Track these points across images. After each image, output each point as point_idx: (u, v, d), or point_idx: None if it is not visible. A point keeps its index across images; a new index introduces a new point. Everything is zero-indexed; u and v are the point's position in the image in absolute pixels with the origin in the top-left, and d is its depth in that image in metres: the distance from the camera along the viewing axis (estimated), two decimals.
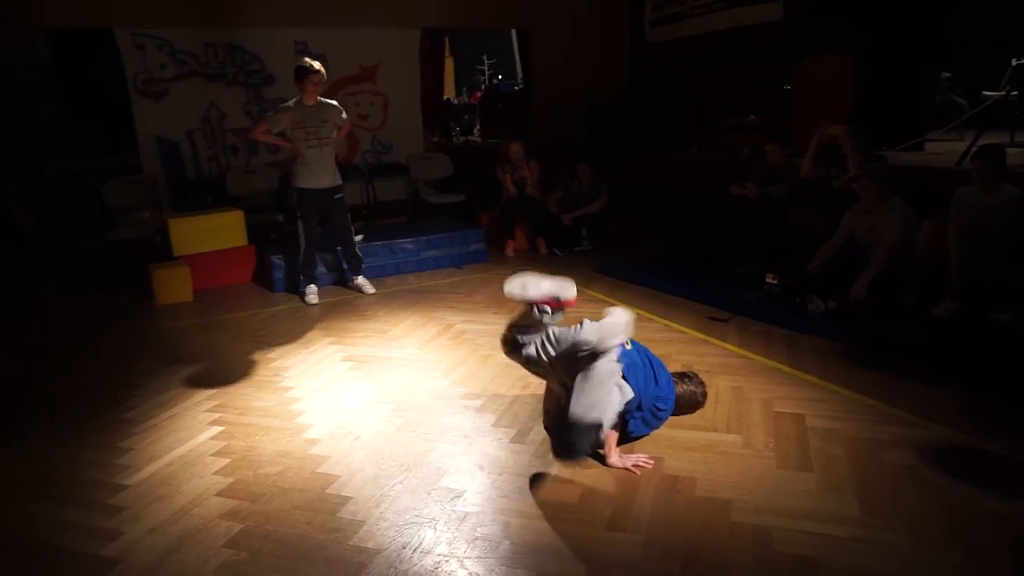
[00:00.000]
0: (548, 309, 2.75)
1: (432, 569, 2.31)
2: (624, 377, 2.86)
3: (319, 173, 5.42)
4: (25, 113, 9.44)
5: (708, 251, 5.96)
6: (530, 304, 2.77)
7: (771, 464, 2.84)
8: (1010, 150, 4.55)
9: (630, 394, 2.83)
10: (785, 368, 3.80)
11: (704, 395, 3.29)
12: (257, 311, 5.46)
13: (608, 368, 2.70)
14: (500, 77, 14.20)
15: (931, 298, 4.28)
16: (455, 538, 2.46)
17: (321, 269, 5.97)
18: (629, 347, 3.04)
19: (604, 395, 2.64)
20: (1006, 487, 2.59)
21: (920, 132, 5.89)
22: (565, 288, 2.80)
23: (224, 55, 6.97)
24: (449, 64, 14.86)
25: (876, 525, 2.40)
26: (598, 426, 2.59)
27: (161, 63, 6.70)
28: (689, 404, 3.24)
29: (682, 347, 4.19)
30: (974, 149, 4.61)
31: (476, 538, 2.46)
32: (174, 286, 5.79)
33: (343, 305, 5.53)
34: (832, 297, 4.45)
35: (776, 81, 6.60)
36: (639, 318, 4.79)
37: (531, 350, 2.83)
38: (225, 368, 4.23)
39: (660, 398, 3.00)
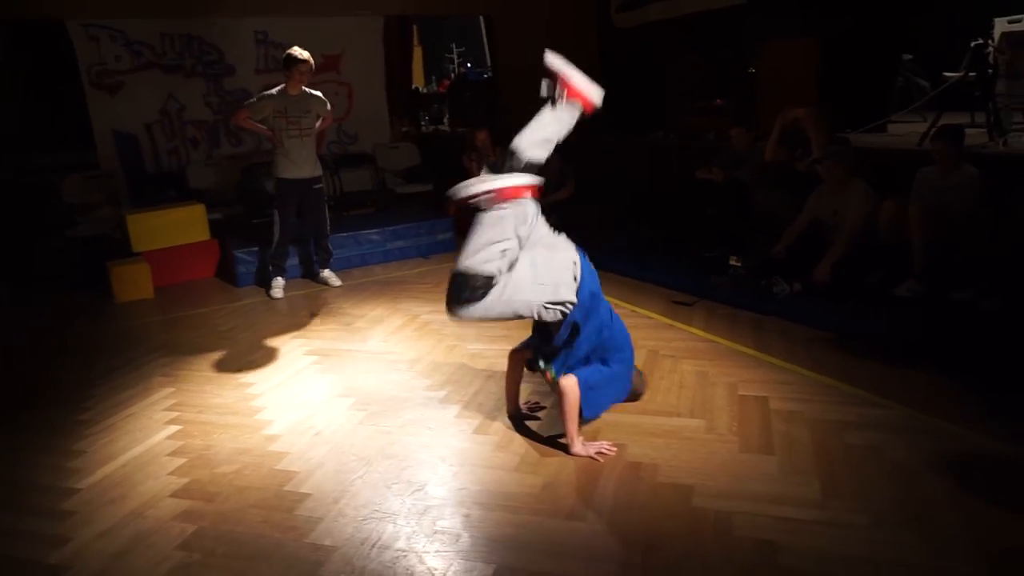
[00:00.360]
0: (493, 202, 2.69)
1: (390, 564, 2.26)
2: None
3: (299, 163, 5.34)
4: None
5: (677, 236, 5.95)
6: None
7: (734, 448, 2.83)
8: (970, 131, 4.59)
9: (570, 296, 2.74)
10: (750, 351, 3.80)
11: (644, 384, 3.22)
12: (220, 306, 5.35)
13: (502, 215, 2.65)
14: (469, 65, 14.07)
15: (894, 279, 4.30)
16: (414, 532, 2.42)
17: (293, 261, 5.88)
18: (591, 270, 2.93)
19: (486, 244, 2.61)
20: (963, 466, 2.61)
21: (883, 114, 5.93)
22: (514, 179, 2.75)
23: (181, 45, 6.81)
24: (418, 53, 14.69)
25: (837, 507, 2.40)
26: (473, 278, 2.60)
27: (116, 55, 6.52)
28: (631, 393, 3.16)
29: (648, 332, 4.17)
30: (934, 130, 4.64)
31: (436, 532, 2.42)
32: (134, 283, 5.65)
33: (308, 299, 5.44)
34: (797, 279, 4.45)
35: (742, 65, 6.59)
36: None
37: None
38: (185, 365, 4.14)
39: (615, 349, 2.89)
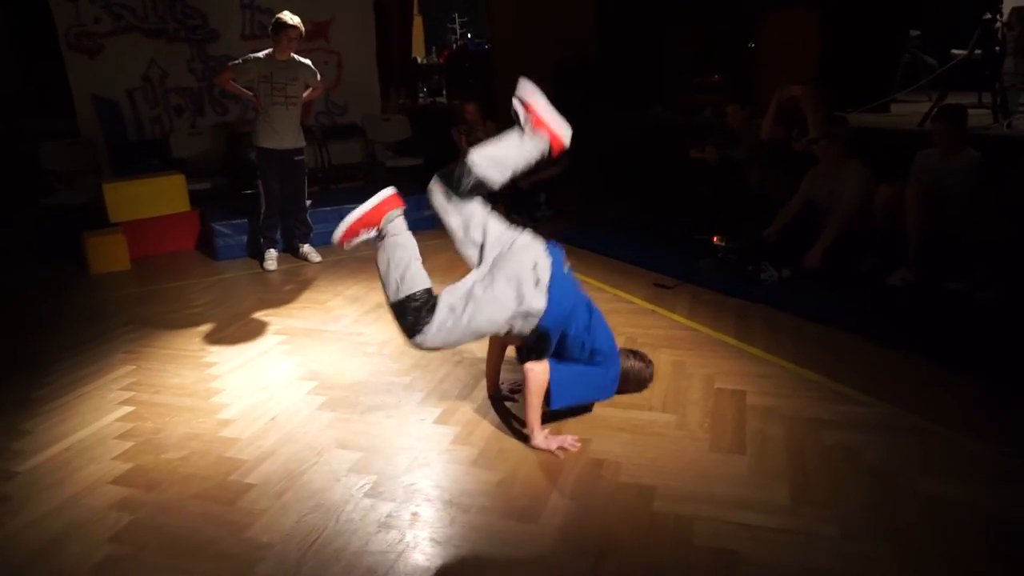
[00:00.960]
0: (371, 231, 2.66)
1: (326, 565, 2.13)
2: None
3: (281, 133, 5.18)
4: None
5: (669, 216, 5.75)
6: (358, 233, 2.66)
7: (703, 446, 2.68)
8: (975, 111, 4.36)
9: (538, 305, 2.56)
10: (732, 341, 3.64)
11: (652, 375, 3.08)
12: (196, 280, 5.22)
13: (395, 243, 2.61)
14: (469, 36, 13.74)
15: (887, 266, 4.12)
16: (356, 530, 2.29)
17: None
18: (567, 271, 2.78)
19: (398, 267, 2.56)
20: (945, 472, 2.44)
21: (886, 93, 5.68)
22: (371, 202, 2.65)
23: (164, 9, 6.57)
24: (418, 23, 14.37)
25: (805, 514, 2.25)
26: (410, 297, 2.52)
27: (95, 16, 6.29)
28: (637, 380, 3.02)
29: (628, 318, 4.00)
30: (936, 111, 4.41)
31: (379, 530, 2.29)
32: (109, 254, 5.51)
33: (286, 275, 5.30)
34: (787, 265, 4.27)
35: (741, 39, 6.33)
36: (588, 286, 4.61)
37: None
38: (150, 341, 4.01)
39: (598, 350, 2.74)
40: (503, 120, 7.31)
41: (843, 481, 2.42)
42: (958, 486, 2.36)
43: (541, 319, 2.59)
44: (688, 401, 3.03)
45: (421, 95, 12.44)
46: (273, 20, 5.00)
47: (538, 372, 2.65)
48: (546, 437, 2.69)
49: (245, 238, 5.76)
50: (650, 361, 3.09)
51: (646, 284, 4.59)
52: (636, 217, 6.20)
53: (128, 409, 3.22)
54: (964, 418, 2.78)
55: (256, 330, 4.13)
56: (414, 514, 2.36)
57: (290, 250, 5.76)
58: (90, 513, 2.46)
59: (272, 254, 5.46)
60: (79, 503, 2.52)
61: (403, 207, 2.70)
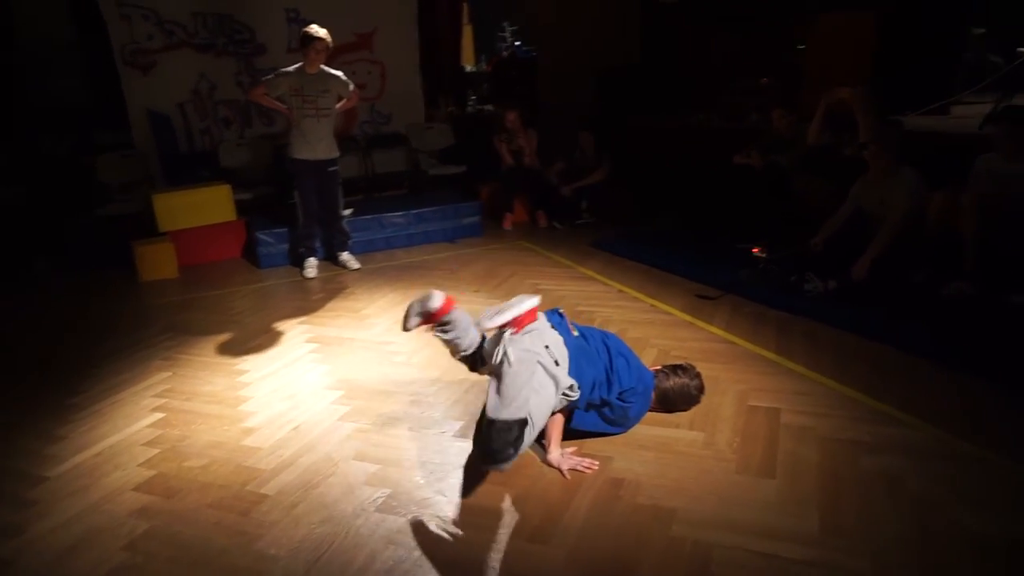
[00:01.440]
0: (440, 329, 2.64)
1: None
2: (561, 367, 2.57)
3: (313, 144, 5.24)
4: (49, 88, 9.48)
5: (712, 225, 5.57)
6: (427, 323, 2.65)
7: (730, 468, 2.54)
8: None
9: (567, 381, 2.52)
10: (770, 355, 3.47)
11: (700, 388, 2.94)
12: (238, 288, 5.31)
13: (520, 356, 2.43)
14: (518, 44, 13.73)
15: (941, 278, 3.87)
16: (363, 546, 2.25)
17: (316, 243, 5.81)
18: (575, 333, 2.75)
19: (521, 386, 2.36)
20: (993, 507, 2.25)
21: (946, 94, 5.38)
22: (431, 300, 2.60)
23: (213, 24, 6.75)
24: (468, 31, 14.44)
25: (835, 546, 2.10)
26: (520, 422, 2.32)
27: (148, 34, 6.51)
28: (683, 398, 2.90)
29: (662, 330, 3.87)
30: (998, 112, 4.14)
31: (387, 546, 2.24)
32: (158, 263, 5.66)
33: (324, 283, 5.34)
34: (832, 276, 4.07)
35: (790, 41, 6.11)
36: (624, 296, 4.50)
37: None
38: (187, 349, 4.08)
39: (624, 391, 2.68)
40: (544, 127, 7.29)
41: (879, 511, 2.25)
42: (1007, 523, 2.17)
43: (577, 392, 2.56)
44: (718, 418, 2.89)
45: (470, 103, 12.49)
46: (301, 33, 5.05)
47: None
48: (562, 454, 2.60)
49: (287, 246, 5.84)
50: (697, 374, 2.96)
51: (685, 294, 4.45)
52: (678, 225, 6.03)
53: (159, 416, 3.27)
54: (1018, 444, 2.57)
55: (289, 338, 4.16)
56: (423, 531, 2.31)
57: (331, 258, 5.82)
58: (110, 520, 2.49)
59: (312, 262, 5.52)
60: (101, 509, 2.56)
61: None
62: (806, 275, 4.07)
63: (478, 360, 2.68)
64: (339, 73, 5.25)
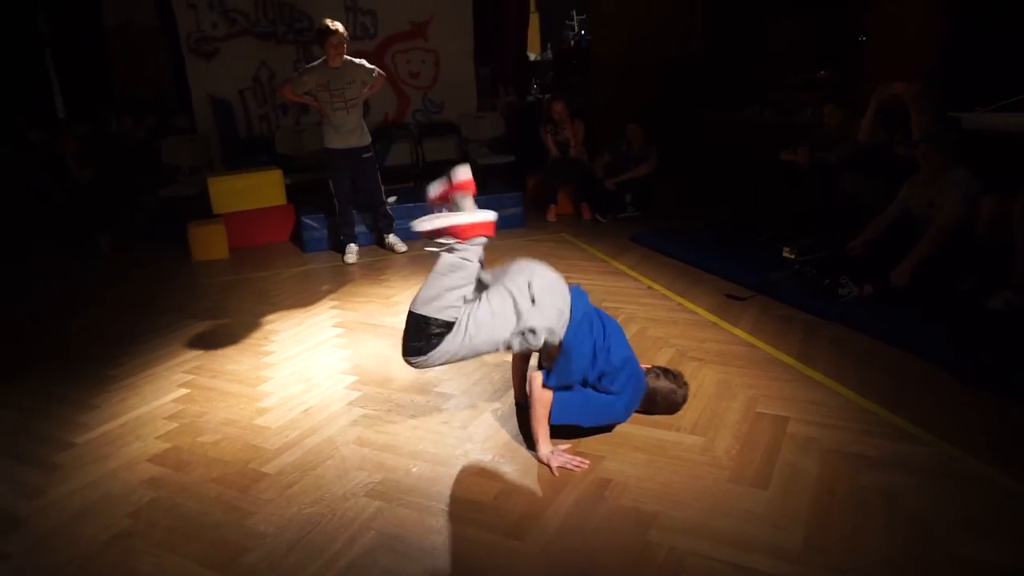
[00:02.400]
0: (451, 240, 2.46)
1: (305, 561, 2.16)
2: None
3: (345, 134, 5.38)
4: (132, 73, 10.03)
5: (756, 222, 5.40)
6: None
7: (723, 476, 2.47)
8: None
9: (534, 324, 2.44)
10: (790, 361, 3.35)
11: (685, 397, 2.89)
12: (281, 271, 5.49)
13: (455, 262, 2.43)
14: (583, 33, 13.58)
15: (989, 288, 3.64)
16: (345, 528, 2.31)
17: (361, 228, 5.96)
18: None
19: (448, 288, 2.41)
20: (997, 534, 2.11)
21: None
22: (469, 217, 2.49)
23: (274, 13, 6.97)
24: (534, 20, 14.38)
25: (815, 563, 2.03)
26: (439, 323, 2.41)
27: (213, 22, 6.78)
28: (667, 403, 2.84)
29: (684, 330, 3.79)
30: None
31: (366, 530, 2.29)
32: (210, 243, 5.92)
33: (364, 268, 5.46)
34: (869, 281, 3.88)
35: (851, 31, 5.82)
36: (653, 293, 4.43)
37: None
38: (222, 328, 4.26)
39: (606, 373, 2.60)
40: (597, 118, 7.19)
41: (869, 529, 2.16)
42: (1009, 552, 2.04)
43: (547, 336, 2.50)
44: (722, 424, 2.82)
45: (532, 92, 12.46)
46: (316, 29, 5.16)
47: (540, 383, 2.57)
48: (552, 452, 2.59)
49: (333, 232, 5.99)
50: (685, 383, 2.89)
51: (715, 293, 4.33)
52: (720, 222, 5.87)
53: (184, 392, 3.43)
54: None
55: (318, 321, 4.28)
56: (404, 519, 2.35)
57: (379, 242, 5.95)
58: (122, 487, 2.64)
59: (352, 248, 5.66)
60: (116, 477, 2.72)
61: (492, 236, 2.56)
62: (841, 279, 3.90)
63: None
64: (362, 61, 5.34)
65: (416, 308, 2.46)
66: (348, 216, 5.65)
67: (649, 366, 2.88)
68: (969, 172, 3.85)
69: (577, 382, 2.62)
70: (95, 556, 2.26)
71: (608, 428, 2.78)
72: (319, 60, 5.23)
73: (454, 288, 2.43)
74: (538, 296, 2.48)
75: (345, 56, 5.19)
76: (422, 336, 2.43)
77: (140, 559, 2.23)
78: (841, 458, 2.53)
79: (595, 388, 2.62)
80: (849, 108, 4.95)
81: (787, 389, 3.08)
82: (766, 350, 3.50)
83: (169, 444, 2.93)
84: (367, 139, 5.46)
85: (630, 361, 2.67)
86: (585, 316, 2.61)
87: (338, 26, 5.06)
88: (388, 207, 5.85)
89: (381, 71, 5.45)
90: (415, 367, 2.54)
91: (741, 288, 4.30)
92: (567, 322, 2.54)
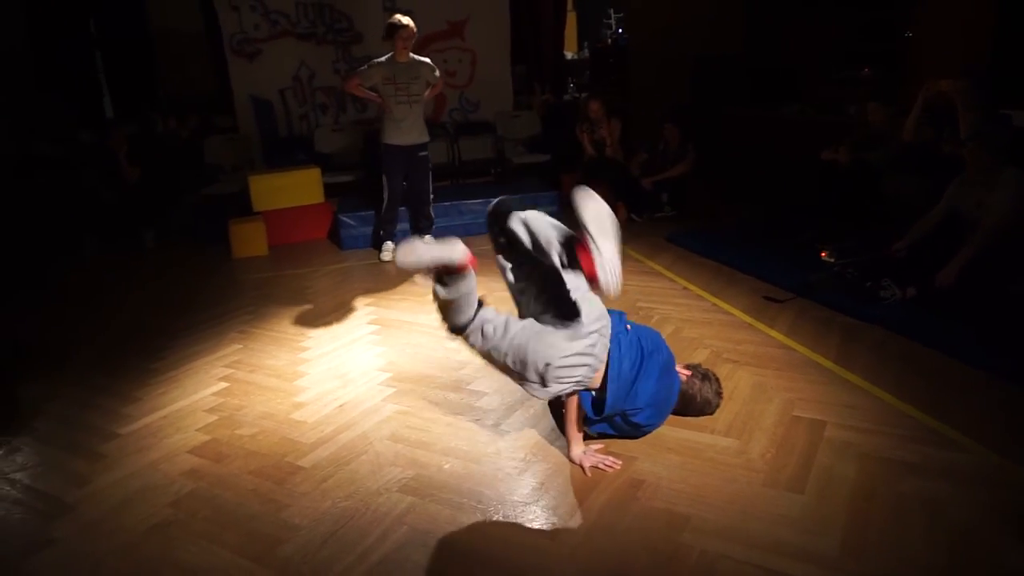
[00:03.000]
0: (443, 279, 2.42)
1: (339, 554, 2.20)
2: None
3: (406, 130, 5.44)
4: (177, 74, 10.31)
5: (794, 223, 5.30)
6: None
7: (758, 479, 2.44)
8: None
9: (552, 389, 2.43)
10: (828, 364, 3.29)
11: (717, 406, 2.84)
12: (319, 268, 5.57)
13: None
14: (620, 31, 13.49)
15: None
16: (379, 523, 2.34)
17: (402, 226, 6.01)
18: (629, 328, 2.66)
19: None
20: None
21: None
22: (449, 250, 2.37)
23: (314, 14, 7.07)
24: (571, 19, 14.33)
25: (851, 570, 1.99)
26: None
27: (255, 23, 6.91)
28: (698, 406, 2.80)
29: (720, 331, 3.75)
30: None
31: (399, 525, 2.32)
32: (250, 240, 6.03)
33: (398, 267, 5.50)
34: (913, 284, 3.78)
35: (896, 28, 5.68)
36: (688, 294, 4.38)
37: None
38: (261, 323, 4.34)
39: (634, 410, 2.54)
40: (634, 116, 7.15)
41: (909, 537, 2.11)
42: None
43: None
44: (757, 427, 2.78)
45: (569, 91, 12.42)
46: (386, 24, 5.22)
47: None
48: (584, 452, 2.59)
49: (369, 229, 6.07)
50: (719, 391, 2.84)
51: (752, 295, 4.27)
52: (759, 222, 5.78)
53: (224, 385, 3.50)
54: None
55: (354, 318, 4.34)
56: (436, 515, 2.37)
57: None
58: (163, 478, 2.71)
59: (389, 246, 5.71)
60: (158, 468, 2.79)
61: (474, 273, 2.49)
62: (883, 281, 3.81)
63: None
64: (427, 60, 5.41)
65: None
66: (394, 213, 5.71)
67: (689, 373, 2.83)
68: (1020, 172, 3.73)
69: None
70: (137, 544, 2.33)
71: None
72: (386, 55, 5.30)
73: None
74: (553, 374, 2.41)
75: (411, 53, 5.26)
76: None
77: (180, 548, 2.29)
78: (879, 463, 2.47)
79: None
80: (893, 106, 4.83)
81: (824, 393, 3.02)
82: (803, 353, 3.44)
83: (208, 436, 3.00)
84: (425, 137, 5.53)
85: (658, 394, 2.58)
86: (615, 363, 2.50)
87: (408, 21, 5.14)
88: (430, 207, 5.90)
89: (442, 74, 5.51)
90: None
91: (778, 290, 4.24)
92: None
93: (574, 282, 2.43)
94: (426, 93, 5.47)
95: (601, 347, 2.44)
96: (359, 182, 6.90)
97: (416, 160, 5.53)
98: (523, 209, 2.49)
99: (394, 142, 5.44)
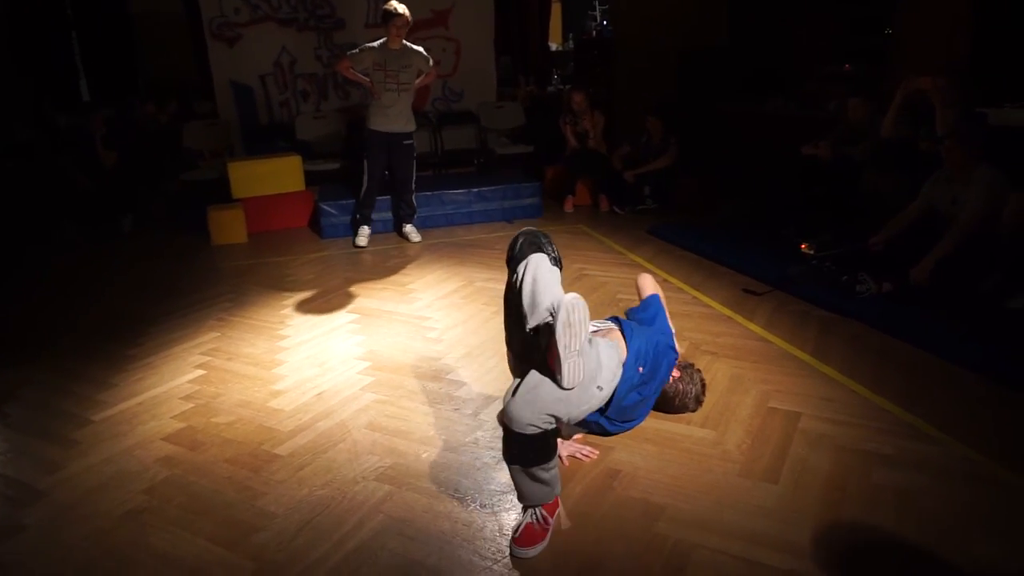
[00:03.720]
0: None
1: (315, 542, 2.19)
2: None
3: (392, 117, 5.42)
4: (156, 58, 10.15)
5: (774, 217, 5.34)
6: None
7: (733, 470, 2.47)
8: None
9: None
10: (804, 357, 3.32)
11: (693, 411, 2.63)
12: (298, 256, 5.53)
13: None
14: (605, 23, 13.48)
15: (1010, 287, 3.58)
16: (354, 511, 2.33)
17: (386, 215, 6.00)
18: (642, 370, 2.35)
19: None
20: (1014, 538, 2.08)
21: None
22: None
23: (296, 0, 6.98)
24: (556, 9, 14.29)
25: (822, 559, 2.01)
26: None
27: (235, 7, 6.81)
28: (675, 408, 2.61)
29: (699, 323, 3.77)
30: None
31: (375, 513, 2.31)
32: (229, 228, 5.97)
33: (380, 255, 5.48)
34: (888, 278, 3.83)
35: (877, 24, 5.73)
36: (668, 286, 4.40)
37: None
38: (239, 311, 4.30)
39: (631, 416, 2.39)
40: (617, 110, 7.14)
41: (882, 528, 2.14)
42: (1018, 552, 2.01)
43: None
44: (733, 418, 2.81)
45: (552, 83, 12.40)
46: (382, 10, 5.19)
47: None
48: (561, 441, 2.59)
49: (349, 218, 6.02)
50: (701, 399, 2.61)
51: (731, 287, 4.31)
52: (740, 216, 5.82)
53: (200, 373, 3.47)
54: None
55: (333, 307, 4.31)
56: (412, 503, 2.36)
57: (397, 228, 5.98)
58: (137, 465, 2.68)
59: (365, 231, 5.70)
60: (132, 454, 2.76)
61: None
62: (860, 275, 3.85)
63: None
64: (420, 49, 5.40)
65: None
66: (371, 199, 5.69)
67: (678, 375, 2.56)
68: (995, 169, 3.79)
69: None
70: (110, 530, 2.30)
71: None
72: (379, 41, 5.25)
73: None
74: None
75: (404, 40, 5.22)
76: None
77: (154, 534, 2.27)
78: (853, 455, 2.51)
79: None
80: (874, 102, 4.87)
81: (801, 385, 3.05)
82: (781, 345, 3.47)
83: (184, 424, 2.97)
84: (411, 126, 5.52)
85: (643, 403, 2.42)
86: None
87: (404, 10, 5.12)
88: (412, 196, 5.88)
89: (435, 63, 5.48)
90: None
91: (758, 283, 4.28)
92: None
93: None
94: (417, 81, 5.44)
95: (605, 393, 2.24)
96: (340, 170, 6.85)
97: (400, 148, 5.51)
98: (549, 248, 2.21)
99: (378, 128, 5.42)
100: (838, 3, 6.23)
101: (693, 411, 2.71)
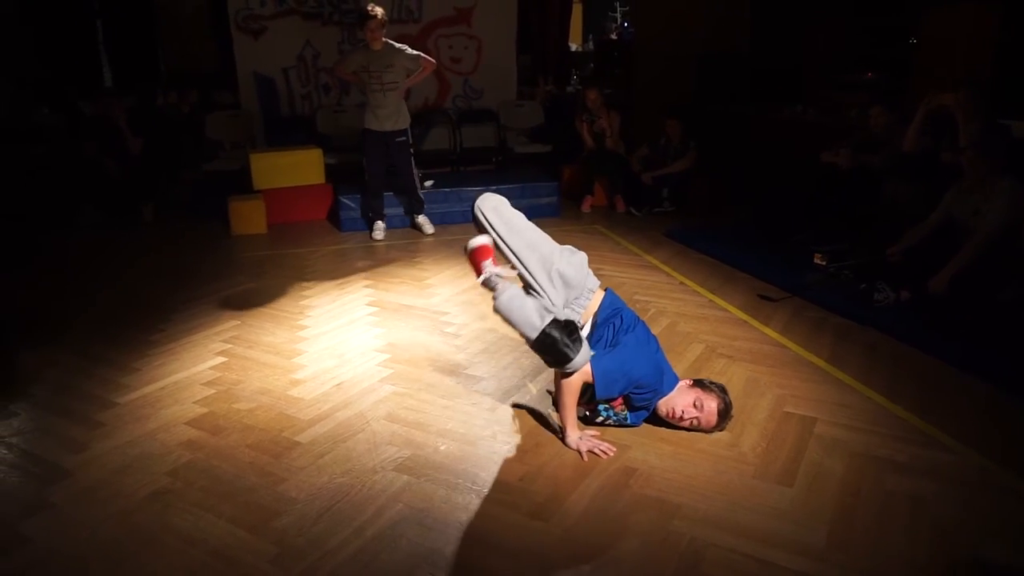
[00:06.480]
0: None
1: (334, 529, 2.23)
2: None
3: (382, 117, 5.49)
4: (180, 49, 10.25)
5: (792, 223, 5.34)
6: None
7: (748, 472, 2.49)
8: None
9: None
10: (820, 363, 3.34)
11: (710, 431, 2.70)
12: (317, 248, 5.58)
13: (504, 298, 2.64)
14: (626, 24, 13.47)
15: None
16: (373, 500, 2.37)
17: (399, 210, 6.06)
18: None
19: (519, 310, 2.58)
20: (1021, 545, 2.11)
21: None
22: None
23: None
24: (577, 10, 14.30)
25: (836, 561, 2.04)
26: (550, 329, 2.51)
27: (261, 0, 6.87)
28: (685, 428, 2.72)
29: (715, 326, 3.79)
30: None
31: (393, 503, 2.35)
32: (249, 218, 6.03)
33: (399, 249, 5.53)
34: (908, 286, 3.83)
35: (902, 33, 5.72)
36: (685, 289, 4.42)
37: None
38: (259, 300, 4.35)
39: (641, 387, 2.62)
40: (636, 112, 7.14)
41: (894, 532, 2.16)
42: None
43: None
44: (749, 421, 2.83)
45: (572, 83, 12.42)
46: (358, 12, 5.28)
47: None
48: (581, 437, 2.63)
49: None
50: (727, 402, 2.68)
51: (748, 293, 4.32)
52: (758, 221, 5.82)
53: (221, 360, 3.52)
54: None
55: (353, 299, 4.36)
56: (430, 494, 2.40)
57: (412, 222, 6.05)
58: (161, 447, 2.74)
59: (380, 226, 5.79)
60: (155, 437, 2.81)
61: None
62: (878, 283, 3.86)
63: None
64: (404, 47, 5.43)
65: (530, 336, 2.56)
66: (376, 196, 5.78)
67: (690, 383, 2.75)
68: (1018, 181, 3.78)
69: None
70: (134, 510, 2.35)
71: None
72: (363, 43, 5.31)
73: (522, 308, 2.57)
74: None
75: (386, 40, 5.27)
76: (560, 347, 2.50)
77: (176, 515, 2.32)
78: (867, 461, 2.52)
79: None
80: (896, 111, 4.86)
81: (816, 391, 3.07)
82: (797, 351, 3.49)
83: (206, 409, 3.03)
84: (403, 124, 5.56)
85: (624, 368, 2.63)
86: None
87: (378, 11, 5.16)
88: (423, 191, 5.94)
89: (430, 59, 5.51)
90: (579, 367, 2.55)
91: (774, 288, 4.28)
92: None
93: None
94: (411, 78, 5.49)
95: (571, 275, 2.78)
96: (360, 165, 6.89)
97: (395, 146, 5.61)
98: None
99: (369, 127, 5.56)
100: (861, 12, 6.21)
101: (707, 431, 2.72)
